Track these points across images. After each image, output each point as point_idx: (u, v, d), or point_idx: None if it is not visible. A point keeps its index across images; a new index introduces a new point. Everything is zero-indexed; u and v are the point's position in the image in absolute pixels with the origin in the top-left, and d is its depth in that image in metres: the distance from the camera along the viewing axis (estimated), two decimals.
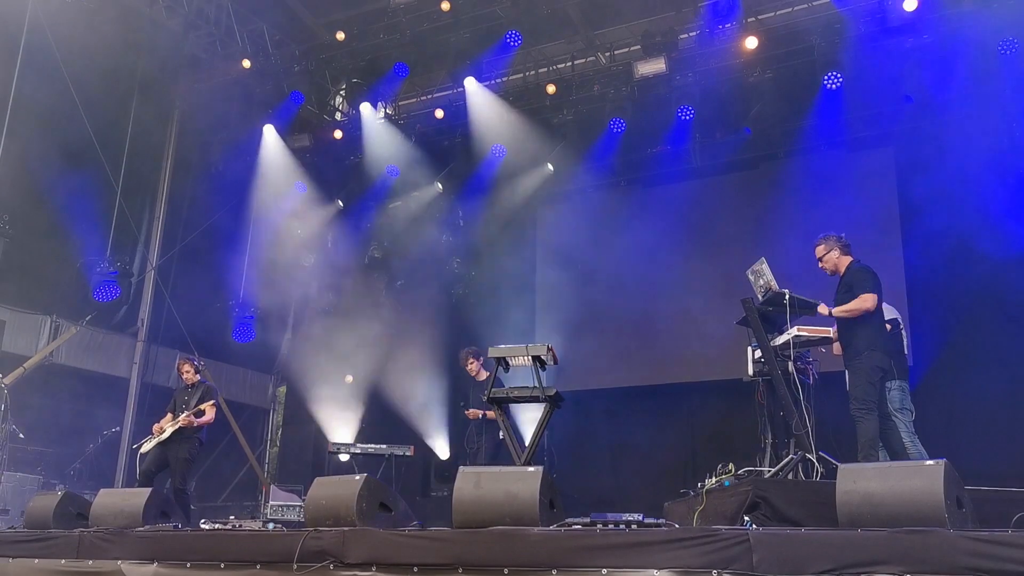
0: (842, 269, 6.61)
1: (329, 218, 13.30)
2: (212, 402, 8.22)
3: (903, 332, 7.29)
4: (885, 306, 7.11)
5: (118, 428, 10.94)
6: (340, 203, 12.75)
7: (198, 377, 8.48)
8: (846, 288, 6.48)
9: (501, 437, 8.28)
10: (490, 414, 8.15)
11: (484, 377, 8.55)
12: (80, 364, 10.93)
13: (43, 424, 9.81)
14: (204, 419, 8.17)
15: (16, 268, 9.79)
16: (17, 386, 9.35)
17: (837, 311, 6.35)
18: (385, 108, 12.78)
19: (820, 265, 6.68)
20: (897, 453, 6.27)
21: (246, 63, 11.73)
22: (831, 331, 6.48)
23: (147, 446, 8.18)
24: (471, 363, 8.75)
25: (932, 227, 9.52)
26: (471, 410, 8.45)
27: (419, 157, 12.28)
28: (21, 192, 9.75)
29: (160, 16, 11.09)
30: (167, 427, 8.11)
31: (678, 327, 10.76)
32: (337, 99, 13.23)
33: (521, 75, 11.86)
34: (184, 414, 8.07)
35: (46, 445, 9.84)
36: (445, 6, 10.59)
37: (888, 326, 6.91)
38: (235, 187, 12.44)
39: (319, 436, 12.63)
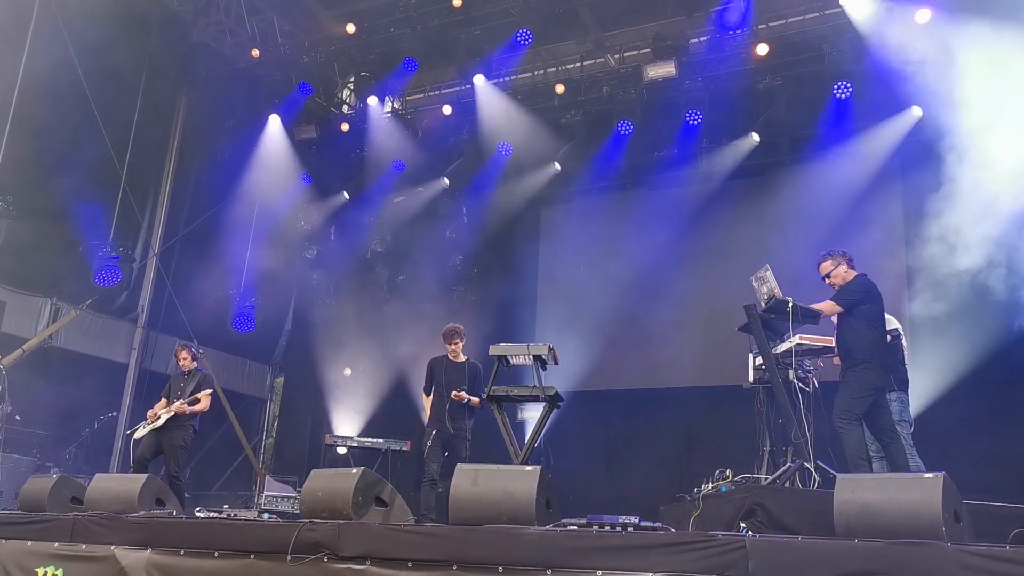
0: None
1: (332, 210, 13.28)
2: (208, 391, 8.21)
3: (904, 343, 7.27)
4: (886, 316, 7.09)
5: (115, 413, 10.92)
6: (346, 195, 12.72)
7: (195, 364, 8.46)
8: None
9: (470, 425, 8.18)
10: (474, 400, 7.98)
11: (462, 360, 8.26)
12: (79, 348, 10.91)
13: (40, 407, 9.79)
14: (198, 407, 8.14)
15: (18, 250, 9.77)
16: (15, 368, 9.35)
17: (814, 307, 6.33)
18: (393, 102, 12.78)
19: (828, 281, 6.56)
20: (900, 468, 6.24)
21: (255, 52, 11.72)
22: (833, 340, 6.47)
23: (141, 432, 8.15)
24: (456, 343, 8.22)
25: (936, 240, 9.50)
26: (459, 392, 8.14)
27: (425, 152, 12.26)
28: (25, 173, 9.73)
29: (171, 2, 11.08)
30: (161, 413, 8.09)
31: (680, 331, 10.75)
32: (345, 92, 13.21)
33: (530, 74, 11.85)
34: (178, 401, 8.05)
35: (42, 428, 9.83)
36: (456, 2, 10.58)
37: (889, 337, 6.90)
38: (240, 176, 12.42)
39: (316, 428, 12.63)
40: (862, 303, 6.33)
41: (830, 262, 6.55)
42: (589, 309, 11.42)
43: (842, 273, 6.52)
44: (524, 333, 11.43)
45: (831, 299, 6.39)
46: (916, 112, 9.80)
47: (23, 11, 9.92)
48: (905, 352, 7.20)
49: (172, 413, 8.01)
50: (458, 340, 8.25)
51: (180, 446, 8.08)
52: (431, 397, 8.18)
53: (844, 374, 6.31)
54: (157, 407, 8.19)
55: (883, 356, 6.35)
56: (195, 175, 12.35)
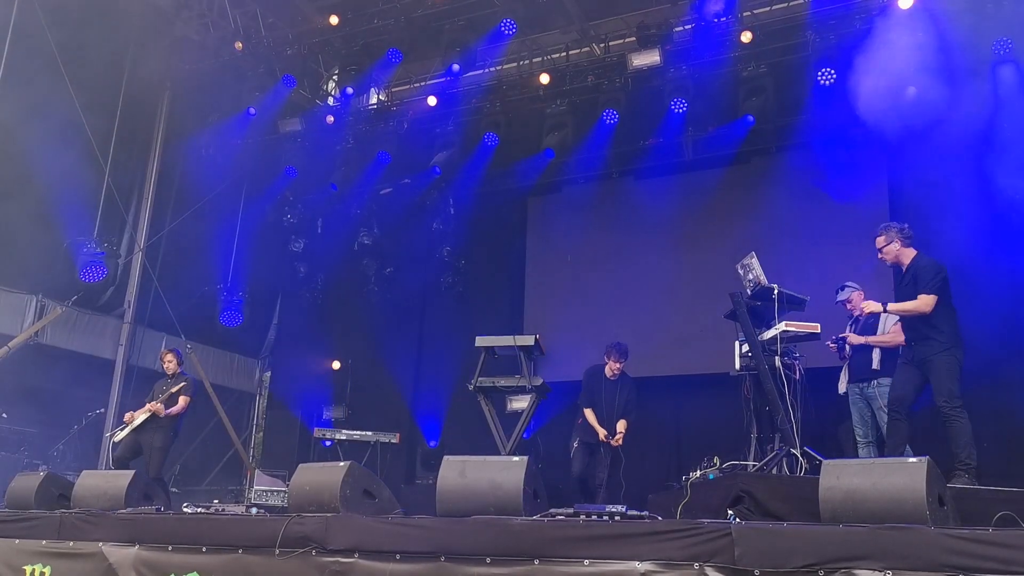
0: (905, 261, 6.29)
1: (319, 203, 13.22)
2: (187, 396, 8.21)
3: None
4: None
5: (102, 410, 10.86)
6: (333, 188, 12.67)
7: (180, 369, 8.46)
8: (911, 281, 6.19)
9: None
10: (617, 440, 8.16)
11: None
12: (65, 345, 10.85)
13: (27, 404, 9.74)
14: (175, 409, 8.13)
15: (2, 246, 9.71)
16: (1, 366, 9.30)
17: (893, 308, 6.20)
18: (378, 94, 12.71)
19: (880, 256, 6.39)
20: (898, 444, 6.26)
21: (238, 45, 11.63)
22: (818, 327, 6.48)
23: (120, 435, 8.16)
24: (617, 363, 8.44)
25: (921, 226, 9.52)
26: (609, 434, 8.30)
27: (411, 144, 12.21)
28: (8, 169, 9.65)
29: None
30: (138, 416, 8.09)
31: (666, 319, 10.76)
32: (330, 84, 13.14)
33: (515, 64, 11.80)
34: (155, 401, 8.06)
35: (29, 425, 9.78)
36: None
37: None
38: (225, 170, 12.34)
39: (305, 421, 12.60)
40: (946, 283, 6.08)
41: (883, 237, 6.35)
42: (576, 298, 11.44)
43: (895, 250, 6.30)
44: (511, 323, 11.42)
45: (922, 293, 6.02)
46: (903, 95, 9.79)
47: (3, 5, 9.82)
48: None
49: (148, 413, 8.00)
50: (615, 360, 8.48)
51: (159, 448, 8.08)
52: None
53: (930, 358, 6.03)
54: (139, 411, 8.19)
55: (960, 337, 6.13)
56: (180, 169, 12.27)
